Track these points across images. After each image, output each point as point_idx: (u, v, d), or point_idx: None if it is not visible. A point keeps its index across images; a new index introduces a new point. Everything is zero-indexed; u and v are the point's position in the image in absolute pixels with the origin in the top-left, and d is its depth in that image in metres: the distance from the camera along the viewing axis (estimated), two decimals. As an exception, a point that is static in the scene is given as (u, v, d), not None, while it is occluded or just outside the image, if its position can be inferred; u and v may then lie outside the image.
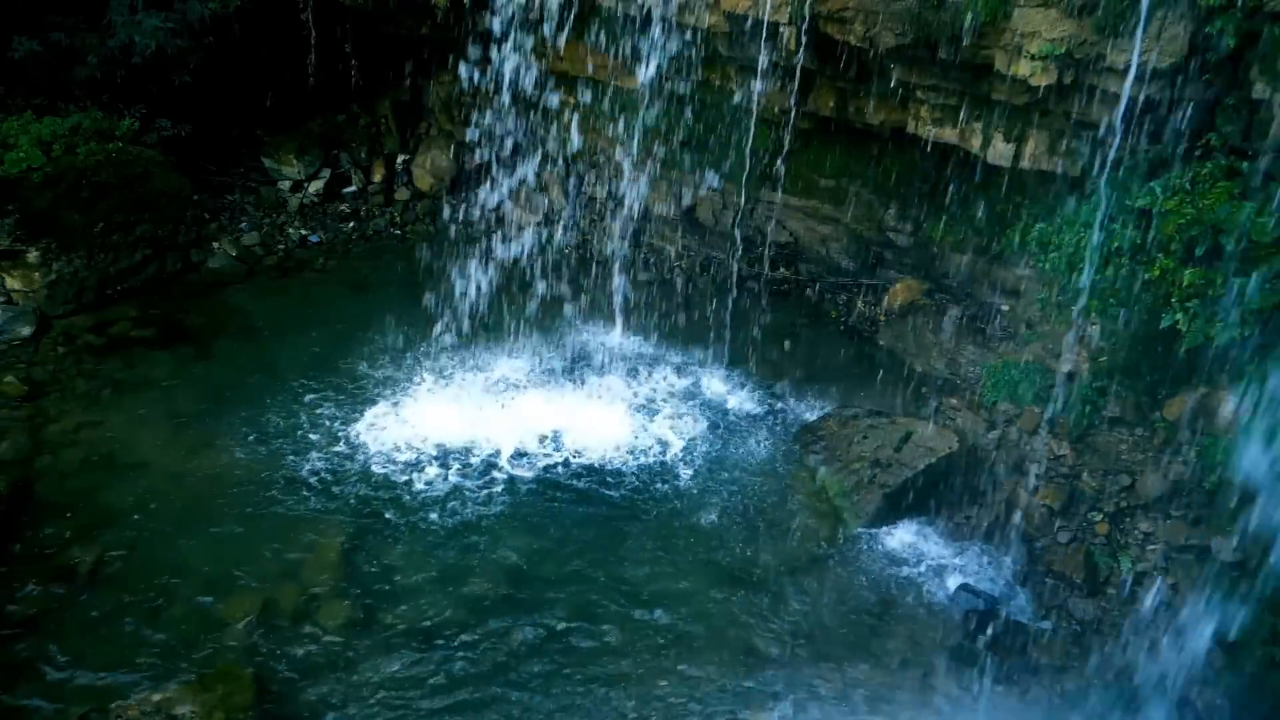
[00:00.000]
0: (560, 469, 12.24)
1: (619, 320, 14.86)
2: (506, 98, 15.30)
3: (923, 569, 11.25)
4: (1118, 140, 10.41)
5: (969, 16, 10.78)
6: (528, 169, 16.77)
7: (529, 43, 14.26)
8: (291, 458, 12.02)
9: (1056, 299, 11.43)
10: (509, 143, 16.14)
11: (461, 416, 12.81)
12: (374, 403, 12.98)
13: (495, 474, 12.05)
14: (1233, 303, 9.30)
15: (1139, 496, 11.13)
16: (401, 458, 12.15)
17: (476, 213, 16.85)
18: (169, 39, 14.30)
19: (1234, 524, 9.50)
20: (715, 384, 13.89)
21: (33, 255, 13.54)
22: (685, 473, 12.34)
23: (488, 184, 16.75)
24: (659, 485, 12.14)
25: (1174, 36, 9.79)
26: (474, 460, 12.20)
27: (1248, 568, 9.39)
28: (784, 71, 12.84)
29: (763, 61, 12.67)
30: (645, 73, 13.87)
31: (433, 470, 12.02)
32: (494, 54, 14.55)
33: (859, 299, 15.28)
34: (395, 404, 12.99)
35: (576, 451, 12.48)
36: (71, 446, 11.89)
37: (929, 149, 13.18)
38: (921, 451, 11.92)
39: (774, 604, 10.73)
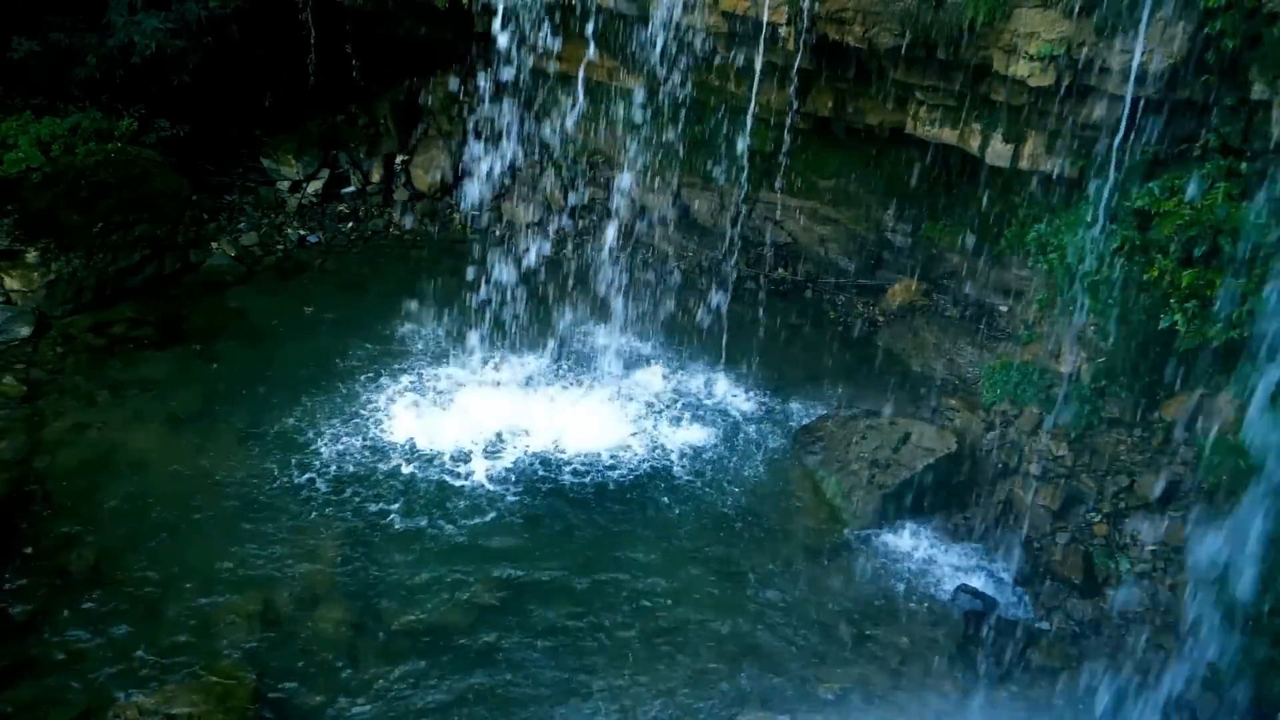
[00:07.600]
0: (558, 469, 12.23)
1: (617, 320, 14.85)
2: (505, 100, 15.33)
3: (921, 570, 11.26)
4: (1116, 141, 10.42)
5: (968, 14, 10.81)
6: (526, 169, 16.78)
7: (528, 43, 14.27)
8: (290, 458, 12.01)
9: (1055, 299, 11.44)
10: (508, 143, 16.14)
11: (460, 417, 12.81)
12: (372, 403, 12.97)
13: (494, 474, 12.03)
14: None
15: (1138, 497, 11.12)
16: (401, 458, 12.14)
17: (474, 213, 16.87)
18: (168, 39, 14.29)
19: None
20: (713, 384, 13.88)
21: (32, 255, 13.53)
22: (683, 474, 12.34)
23: (486, 185, 16.75)
24: (656, 486, 12.13)
25: (1174, 37, 9.81)
26: (472, 460, 12.19)
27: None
28: (783, 72, 12.85)
29: (761, 62, 12.67)
30: (644, 73, 13.88)
31: (432, 471, 12.01)
32: (493, 54, 14.57)
33: (857, 299, 15.29)
34: (394, 404, 12.98)
35: (574, 452, 12.48)
36: (71, 446, 11.89)
37: (928, 149, 13.21)
38: (920, 452, 11.92)
39: (772, 605, 10.74)
